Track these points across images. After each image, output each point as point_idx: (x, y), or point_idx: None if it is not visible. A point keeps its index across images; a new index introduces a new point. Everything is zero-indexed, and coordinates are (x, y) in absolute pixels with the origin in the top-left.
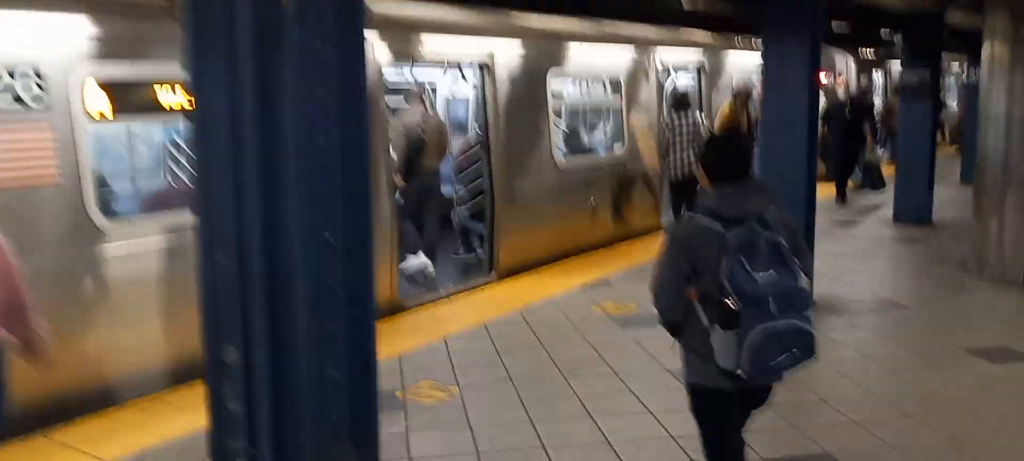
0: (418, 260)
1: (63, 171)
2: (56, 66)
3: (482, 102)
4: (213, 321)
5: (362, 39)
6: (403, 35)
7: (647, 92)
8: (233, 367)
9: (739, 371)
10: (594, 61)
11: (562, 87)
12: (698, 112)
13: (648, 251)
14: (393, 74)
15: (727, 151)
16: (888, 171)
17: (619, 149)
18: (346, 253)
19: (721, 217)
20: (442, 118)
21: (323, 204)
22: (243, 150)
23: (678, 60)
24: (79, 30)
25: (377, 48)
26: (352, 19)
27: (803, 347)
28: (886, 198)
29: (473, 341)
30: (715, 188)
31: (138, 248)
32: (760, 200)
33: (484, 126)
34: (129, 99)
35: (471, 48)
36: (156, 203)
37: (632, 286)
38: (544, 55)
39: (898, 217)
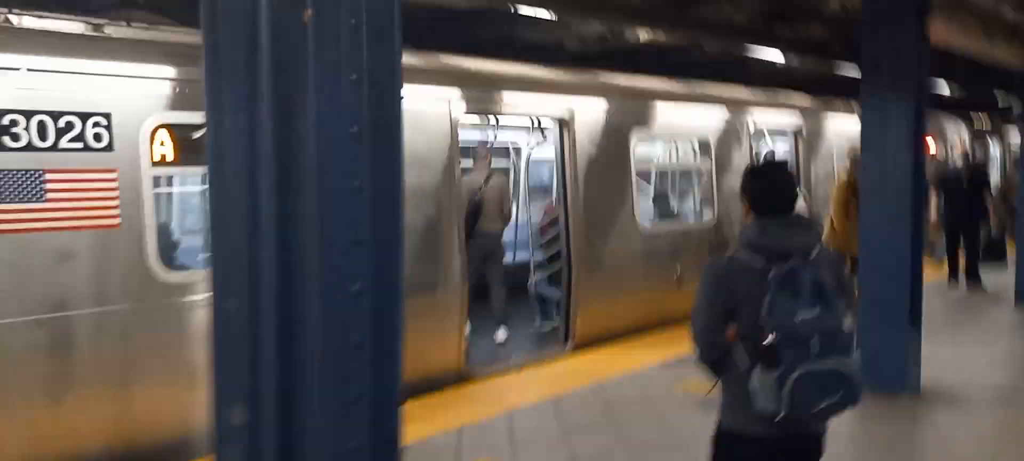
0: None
1: (126, 218)
2: (128, 113)
3: (560, 161)
4: (220, 377)
5: (397, 64)
6: (478, 90)
7: (739, 156)
8: (238, 430)
9: (779, 414)
10: (682, 122)
11: (647, 148)
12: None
13: None
14: (471, 132)
15: (772, 182)
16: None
17: (708, 214)
18: (374, 306)
19: (764, 251)
20: (507, 179)
21: (349, 249)
22: (259, 184)
23: (773, 123)
24: (152, 77)
25: (452, 103)
26: (385, 40)
27: (847, 392)
28: (1007, 279)
29: (540, 417)
30: (757, 221)
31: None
32: (805, 236)
33: (562, 187)
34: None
35: (550, 105)
36: None
37: None
38: (628, 113)
39: (1021, 298)
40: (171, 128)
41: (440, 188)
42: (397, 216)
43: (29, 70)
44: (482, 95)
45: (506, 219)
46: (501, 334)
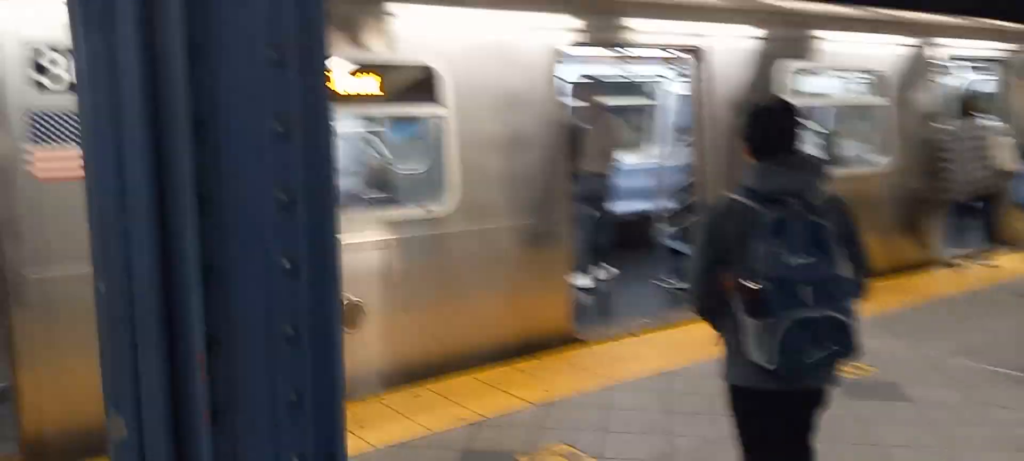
0: (581, 280)
1: None
2: None
3: (694, 98)
4: (103, 379)
5: None
6: (585, 17)
7: (926, 93)
8: (123, 444)
9: (769, 365)
10: (851, 51)
11: (804, 83)
12: (991, 119)
13: (915, 292)
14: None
15: (768, 123)
16: None
17: (884, 161)
18: (310, 287)
19: (759, 195)
20: (614, 119)
21: (276, 213)
22: (124, 123)
23: (973, 51)
24: None
25: (552, 32)
26: None
27: (841, 342)
28: None
29: (644, 395)
30: (755, 164)
31: None
32: (803, 178)
33: (695, 128)
34: None
35: (676, 33)
36: None
37: (879, 341)
38: (780, 42)
39: None
40: None
41: (538, 130)
42: (332, 169)
43: None
44: (590, 22)
45: (610, 162)
46: (602, 273)
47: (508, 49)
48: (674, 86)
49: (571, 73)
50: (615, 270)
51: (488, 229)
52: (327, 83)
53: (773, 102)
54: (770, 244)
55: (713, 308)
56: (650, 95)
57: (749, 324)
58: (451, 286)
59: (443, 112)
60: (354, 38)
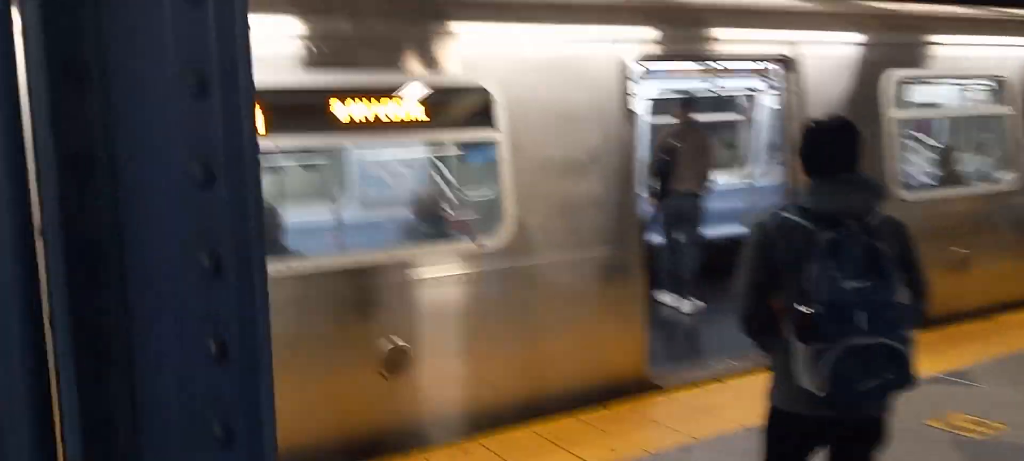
0: (668, 298)
1: None
2: None
3: (784, 112)
4: None
5: None
6: (658, 28)
7: None
8: None
9: (820, 392)
10: (969, 56)
11: (915, 93)
12: None
13: None
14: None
15: (824, 140)
16: None
17: (1008, 178)
18: (236, 299)
19: (813, 215)
20: (707, 135)
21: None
22: None
23: None
24: None
25: (618, 43)
26: None
27: (897, 372)
28: None
29: (728, 454)
30: (810, 182)
31: (296, 298)
32: (862, 198)
33: (786, 145)
34: (293, 114)
35: (762, 42)
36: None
37: (1005, 390)
38: (884, 48)
39: None
40: None
41: (606, 152)
42: (262, 222)
43: None
44: (665, 33)
45: (702, 181)
46: (687, 305)
47: (570, 66)
48: (767, 100)
49: (653, 89)
50: (701, 303)
51: (547, 263)
52: (254, 116)
53: (829, 119)
54: (824, 266)
55: (762, 330)
56: (742, 110)
57: (799, 349)
58: (506, 327)
59: (496, 136)
60: (396, 59)
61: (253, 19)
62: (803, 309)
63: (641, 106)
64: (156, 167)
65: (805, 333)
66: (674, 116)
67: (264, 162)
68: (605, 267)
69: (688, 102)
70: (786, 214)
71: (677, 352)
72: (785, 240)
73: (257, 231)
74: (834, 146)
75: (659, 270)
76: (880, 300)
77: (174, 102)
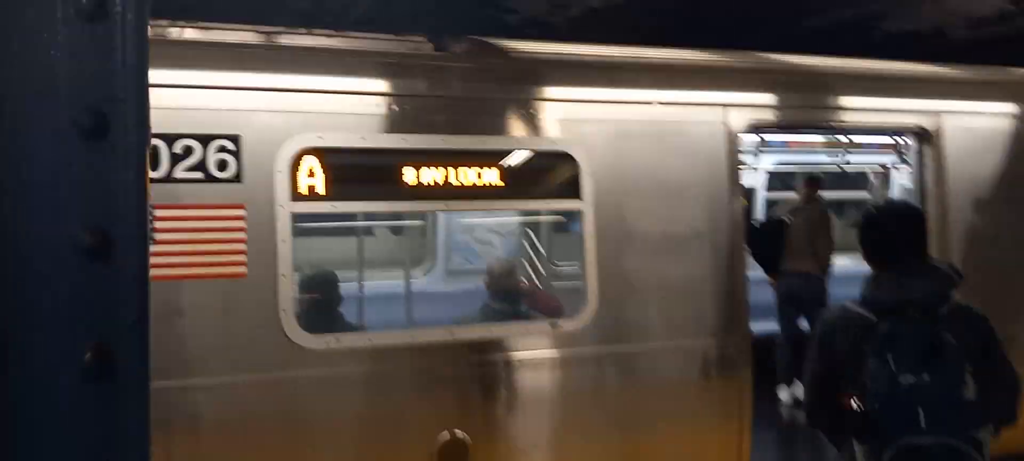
0: (786, 394)
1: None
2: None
3: (919, 190)
4: None
5: None
6: (771, 92)
7: None
8: None
9: None
10: None
11: None
12: None
13: None
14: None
15: (884, 228)
16: None
17: None
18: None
19: (875, 305)
20: (824, 212)
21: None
22: None
23: None
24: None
25: (725, 109)
26: None
27: None
28: None
29: None
30: (871, 272)
31: (344, 375)
32: (926, 285)
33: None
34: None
35: (893, 111)
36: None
37: None
38: None
39: None
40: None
41: (707, 228)
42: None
43: None
44: (780, 99)
45: (820, 261)
46: (784, 395)
47: (670, 133)
48: (901, 177)
49: (768, 162)
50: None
51: (633, 351)
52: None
53: (890, 206)
54: (880, 359)
55: (828, 426)
56: (871, 188)
57: (858, 447)
58: (579, 423)
59: (579, 206)
60: (475, 122)
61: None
62: (856, 405)
63: (754, 180)
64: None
65: (860, 431)
66: (797, 192)
67: (333, 224)
68: (704, 359)
69: (812, 178)
70: (847, 305)
71: (791, 457)
72: (845, 332)
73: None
74: (895, 233)
75: (778, 362)
76: (941, 396)
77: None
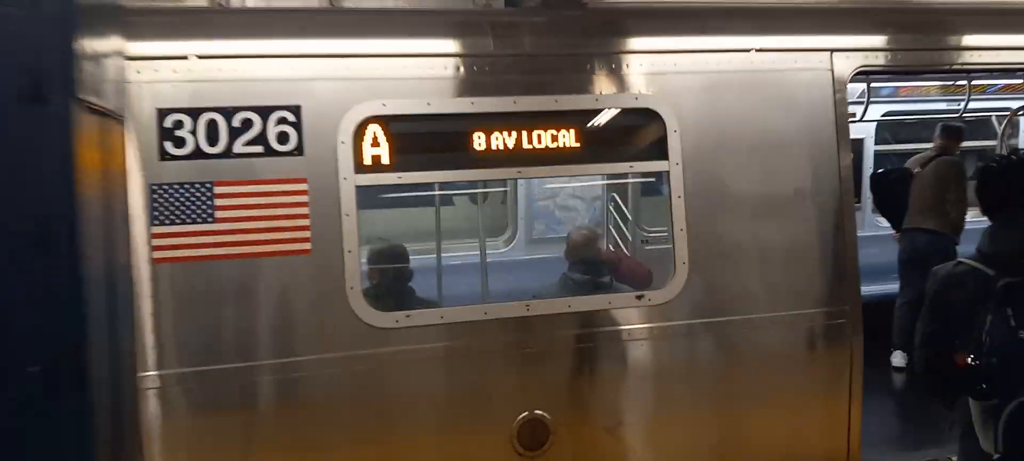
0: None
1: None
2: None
3: None
4: None
5: None
6: (881, 26)
7: None
8: None
9: (995, 454)
10: None
11: None
12: None
13: None
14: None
15: (1005, 178)
16: None
17: None
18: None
19: (994, 260)
20: (956, 167)
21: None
22: None
23: None
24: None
25: (829, 53)
26: None
27: None
28: None
29: None
30: (991, 224)
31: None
32: None
33: None
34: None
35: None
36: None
37: None
38: None
39: None
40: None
41: (810, 187)
42: None
43: (198, 56)
44: (893, 38)
45: (950, 219)
46: (899, 360)
47: (766, 82)
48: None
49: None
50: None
51: (729, 322)
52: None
53: (1007, 156)
54: (998, 314)
55: (941, 387)
56: (999, 135)
57: (973, 406)
58: (670, 400)
59: (665, 167)
60: (551, 81)
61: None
62: (970, 360)
63: (863, 131)
64: None
65: (977, 388)
66: (933, 144)
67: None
68: (809, 331)
69: (951, 128)
70: (962, 260)
71: (903, 430)
72: (960, 288)
73: None
74: (1009, 183)
75: (896, 326)
76: None
77: None
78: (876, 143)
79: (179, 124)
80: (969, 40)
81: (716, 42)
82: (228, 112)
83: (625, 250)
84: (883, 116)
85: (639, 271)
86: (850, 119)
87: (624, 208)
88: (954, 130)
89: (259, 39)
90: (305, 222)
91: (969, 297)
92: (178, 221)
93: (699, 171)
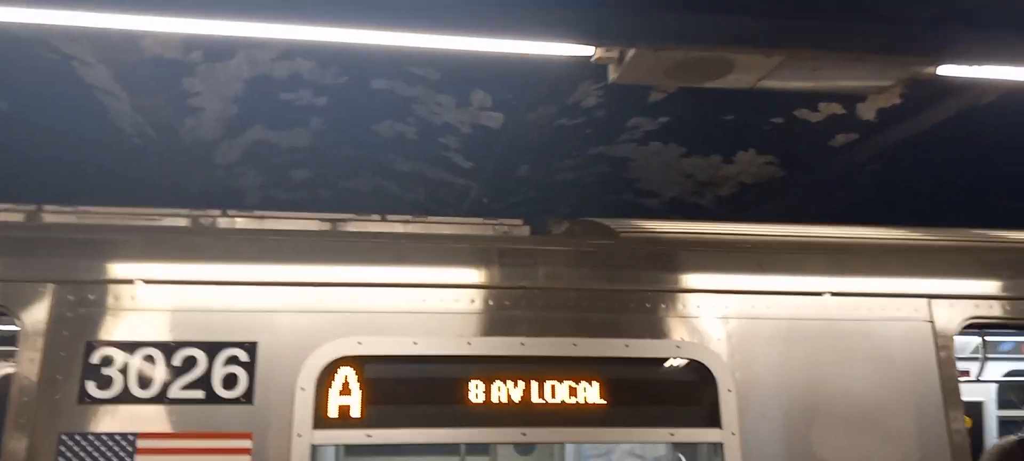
0: None
1: None
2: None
3: None
4: None
5: None
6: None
7: None
8: None
9: None
10: None
11: None
12: None
13: None
14: None
15: None
16: None
17: None
18: None
19: None
20: None
21: None
22: None
23: None
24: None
25: (929, 302)
26: None
27: None
28: None
29: None
30: None
31: None
32: None
33: None
34: None
35: None
36: None
37: None
38: None
39: None
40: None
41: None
42: None
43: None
44: (1006, 286)
45: None
46: None
47: (847, 332)
48: None
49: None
50: None
51: None
52: None
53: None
54: None
55: None
56: None
57: None
58: None
59: (718, 437)
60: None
61: None
62: None
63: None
64: None
65: None
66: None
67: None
68: None
69: None
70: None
71: None
72: None
73: None
74: None
75: None
76: None
77: None
78: (999, 407)
79: (107, 361)
80: None
81: (782, 282)
82: (169, 348)
83: None
84: (1006, 376)
85: None
86: (962, 378)
87: None
88: None
89: (218, 263)
90: None
91: None
92: None
93: (763, 444)
